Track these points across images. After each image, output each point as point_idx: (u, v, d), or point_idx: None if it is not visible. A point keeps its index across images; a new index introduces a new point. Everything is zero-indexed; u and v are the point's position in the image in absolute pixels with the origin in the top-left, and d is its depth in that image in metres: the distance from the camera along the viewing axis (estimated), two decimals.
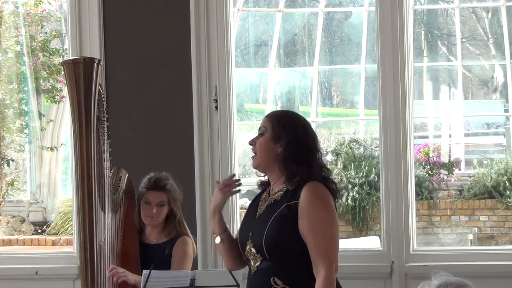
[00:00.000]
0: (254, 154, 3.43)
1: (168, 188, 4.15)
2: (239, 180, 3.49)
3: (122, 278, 3.95)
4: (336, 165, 10.61)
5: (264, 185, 3.49)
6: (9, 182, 9.68)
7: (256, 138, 3.43)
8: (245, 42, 12.27)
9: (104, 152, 4.00)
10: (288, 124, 3.40)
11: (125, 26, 5.06)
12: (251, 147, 3.44)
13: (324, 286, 3.22)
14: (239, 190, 3.53)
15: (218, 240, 3.50)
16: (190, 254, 4.16)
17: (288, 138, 3.36)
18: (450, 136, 11.45)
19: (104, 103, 4.02)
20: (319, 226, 3.26)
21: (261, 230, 3.31)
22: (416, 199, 5.12)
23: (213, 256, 4.93)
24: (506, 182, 10.30)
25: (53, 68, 9.66)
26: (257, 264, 3.34)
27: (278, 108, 12.31)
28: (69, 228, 9.03)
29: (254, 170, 3.51)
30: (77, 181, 3.74)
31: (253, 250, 3.34)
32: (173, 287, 3.48)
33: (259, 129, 3.45)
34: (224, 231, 3.50)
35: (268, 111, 11.66)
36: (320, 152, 3.43)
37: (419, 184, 10.14)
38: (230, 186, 3.50)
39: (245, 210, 3.62)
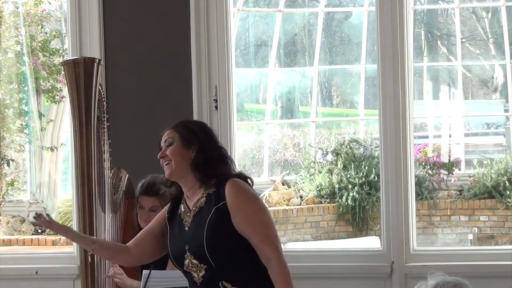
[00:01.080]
0: (167, 163, 3.36)
1: (161, 193, 4.10)
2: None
3: (118, 277, 3.95)
4: (336, 165, 10.60)
5: (175, 199, 3.45)
6: (9, 182, 9.67)
7: (165, 149, 3.37)
8: (245, 42, 12.26)
9: (104, 152, 4.00)
10: (196, 129, 3.41)
11: (125, 26, 5.06)
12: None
13: (280, 269, 3.25)
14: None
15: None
16: None
17: (200, 143, 3.37)
18: (450, 136, 11.44)
19: (104, 103, 4.02)
20: (254, 216, 3.28)
21: (198, 239, 3.28)
22: (416, 199, 5.12)
23: None
24: (506, 182, 10.29)
25: (53, 68, 9.66)
26: (202, 274, 3.31)
27: (279, 108, 12.31)
28: None
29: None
30: (77, 181, 3.75)
31: (194, 261, 3.30)
32: (173, 287, 3.48)
33: (165, 141, 3.39)
34: (93, 243, 3.46)
35: (268, 111, 11.68)
36: (228, 155, 3.44)
37: (419, 184, 10.14)
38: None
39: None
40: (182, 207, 3.40)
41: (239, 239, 3.28)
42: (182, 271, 3.38)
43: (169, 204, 3.48)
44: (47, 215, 3.40)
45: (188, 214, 3.36)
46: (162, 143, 3.40)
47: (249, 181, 3.39)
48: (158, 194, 4.11)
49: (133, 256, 3.49)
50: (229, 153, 3.48)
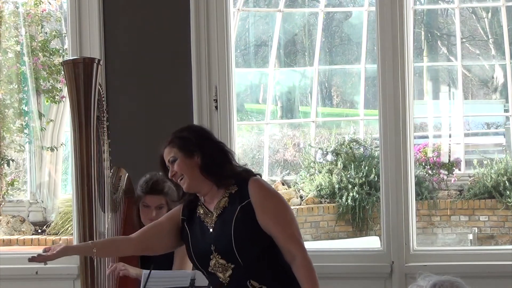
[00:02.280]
0: (180, 179, 3.39)
1: (166, 190, 4.12)
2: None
3: (123, 272, 3.95)
4: (336, 165, 10.61)
5: (192, 202, 3.46)
6: (9, 182, 9.68)
7: (172, 166, 3.40)
8: (245, 42, 12.27)
9: (104, 152, 4.00)
10: (190, 136, 3.43)
11: (125, 26, 5.06)
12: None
13: (305, 266, 3.30)
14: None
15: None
16: None
17: (200, 148, 3.39)
18: (450, 136, 11.45)
19: (104, 103, 4.02)
20: (279, 214, 3.34)
21: (226, 238, 3.31)
22: (416, 199, 5.12)
23: None
24: (506, 182, 10.30)
25: (53, 68, 9.66)
26: (228, 274, 3.33)
27: (278, 108, 12.31)
28: (69, 228, 9.03)
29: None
30: (77, 181, 3.74)
31: (221, 261, 3.33)
32: (173, 287, 3.48)
33: (168, 160, 3.41)
34: (93, 247, 3.46)
35: (268, 111, 11.68)
36: (228, 149, 3.48)
37: (419, 184, 10.14)
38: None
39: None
40: (201, 210, 3.43)
41: (265, 237, 3.32)
42: (206, 273, 3.39)
43: (181, 206, 3.49)
44: (42, 252, 3.46)
45: (209, 215, 3.39)
46: (167, 163, 3.42)
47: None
48: (163, 192, 4.13)
49: (136, 247, 3.53)
50: (227, 146, 3.51)
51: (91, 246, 3.45)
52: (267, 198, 3.35)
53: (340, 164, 10.59)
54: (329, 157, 10.76)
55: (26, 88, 9.57)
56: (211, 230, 3.37)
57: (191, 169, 3.37)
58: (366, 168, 10.45)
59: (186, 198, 3.45)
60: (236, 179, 3.38)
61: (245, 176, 3.38)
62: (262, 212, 3.31)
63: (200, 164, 3.37)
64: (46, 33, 9.85)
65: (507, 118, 11.84)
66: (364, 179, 10.37)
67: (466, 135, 11.71)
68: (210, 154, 3.39)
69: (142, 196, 4.14)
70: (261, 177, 3.44)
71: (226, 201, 3.37)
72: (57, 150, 9.77)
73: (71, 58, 4.19)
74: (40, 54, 9.64)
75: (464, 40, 12.41)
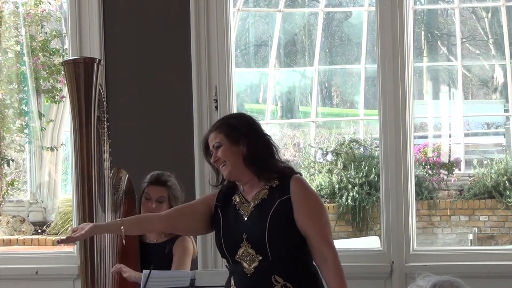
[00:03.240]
0: (223, 165, 3.41)
1: (169, 184, 4.17)
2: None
3: (123, 270, 3.96)
4: (336, 165, 10.61)
5: (230, 189, 3.48)
6: (9, 182, 9.68)
7: (216, 152, 3.41)
8: (245, 42, 12.27)
9: (104, 152, 4.00)
10: (239, 125, 3.45)
11: (125, 26, 5.06)
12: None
13: (336, 269, 3.34)
14: None
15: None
16: (190, 250, 4.17)
17: (246, 137, 3.41)
18: (450, 136, 11.45)
19: (104, 103, 4.02)
20: (317, 215, 3.37)
21: (260, 228, 3.32)
22: (416, 199, 5.12)
23: (213, 256, 4.93)
24: (506, 182, 10.29)
25: (53, 68, 9.67)
26: (254, 265, 3.34)
27: (278, 108, 12.32)
28: (69, 228, 9.03)
29: None
30: (77, 181, 3.74)
31: (250, 251, 3.34)
32: (173, 287, 3.48)
33: (213, 146, 3.42)
34: (121, 225, 3.46)
35: (268, 111, 11.68)
36: (273, 142, 3.50)
37: (419, 184, 10.14)
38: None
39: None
40: (237, 199, 3.44)
41: (297, 235, 3.35)
42: (232, 261, 3.39)
43: (215, 193, 3.51)
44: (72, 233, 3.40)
45: (246, 204, 3.41)
46: (211, 148, 3.44)
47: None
48: (166, 184, 4.16)
49: (166, 225, 3.56)
50: (272, 139, 3.53)
51: (119, 224, 3.46)
52: (308, 198, 3.39)
53: (340, 164, 10.59)
54: (329, 157, 10.76)
55: (26, 88, 9.58)
56: (245, 218, 3.39)
57: (235, 157, 3.39)
58: (366, 168, 10.45)
59: (225, 185, 3.47)
60: (278, 174, 3.41)
61: (287, 172, 3.41)
62: (301, 211, 3.34)
63: (244, 153, 3.39)
64: (46, 33, 9.85)
65: (507, 118, 11.84)
66: (364, 179, 10.37)
67: (466, 135, 11.71)
68: (255, 145, 3.41)
69: (145, 187, 4.17)
70: (301, 176, 3.48)
71: (266, 193, 3.39)
72: (57, 150, 9.77)
73: (71, 58, 4.19)
74: (40, 54, 9.64)
75: (464, 40, 12.42)
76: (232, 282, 3.39)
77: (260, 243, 3.32)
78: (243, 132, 3.42)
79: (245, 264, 3.36)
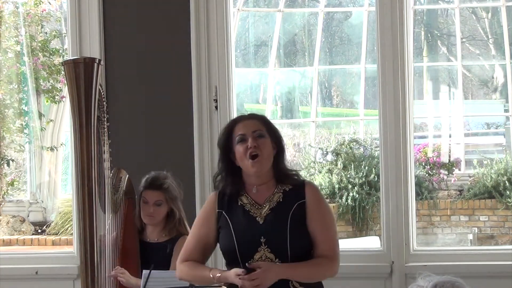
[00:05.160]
0: (256, 154, 3.32)
1: (165, 187, 4.13)
2: None
3: (121, 276, 3.96)
4: (336, 165, 10.61)
5: (232, 190, 3.39)
6: (9, 182, 9.68)
7: (256, 141, 3.34)
8: (245, 42, 12.27)
9: (104, 152, 4.00)
10: (275, 128, 3.46)
11: (125, 26, 5.06)
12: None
13: (330, 266, 3.34)
14: None
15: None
16: None
17: (279, 142, 3.41)
18: (450, 136, 11.45)
19: (104, 103, 4.02)
20: (330, 223, 3.40)
21: (280, 232, 3.28)
22: (416, 199, 5.12)
23: (213, 256, 4.93)
24: (506, 182, 10.30)
25: (53, 68, 9.67)
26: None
27: (278, 108, 12.32)
28: (69, 228, 9.03)
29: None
30: (77, 181, 3.74)
31: (269, 255, 3.28)
32: (173, 287, 3.48)
33: (254, 132, 3.35)
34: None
35: (268, 111, 11.67)
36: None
37: (419, 184, 10.14)
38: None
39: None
40: (244, 200, 3.37)
41: (310, 239, 3.33)
42: (243, 266, 3.25)
43: (212, 201, 3.42)
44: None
45: (257, 207, 3.35)
46: (249, 133, 3.35)
47: None
48: (162, 188, 4.13)
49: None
50: None
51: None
52: (322, 205, 3.40)
53: (340, 164, 10.59)
54: (329, 157, 10.76)
55: (26, 88, 9.58)
56: (261, 221, 3.32)
57: (270, 154, 3.36)
58: (366, 168, 10.45)
59: (227, 187, 3.38)
60: (291, 179, 3.39)
61: (299, 178, 3.41)
62: (315, 216, 3.34)
63: (274, 155, 3.37)
64: (46, 33, 9.86)
65: (507, 118, 11.84)
66: (364, 179, 10.37)
67: (466, 135, 11.71)
68: (283, 149, 3.42)
69: (142, 191, 4.16)
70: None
71: (280, 196, 3.36)
72: (57, 150, 9.77)
73: (71, 58, 4.19)
74: (40, 54, 9.65)
75: (464, 40, 12.42)
76: None
77: (282, 247, 3.27)
78: (278, 134, 3.43)
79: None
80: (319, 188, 3.47)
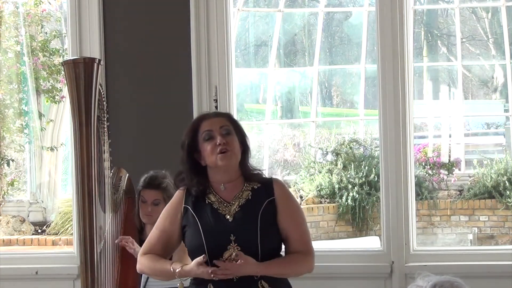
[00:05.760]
0: (225, 151, 3.26)
1: (164, 186, 4.13)
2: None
3: (128, 245, 3.98)
4: (336, 165, 10.61)
5: (199, 187, 3.31)
6: (9, 182, 9.68)
7: (224, 138, 3.28)
8: (245, 42, 12.27)
9: (104, 152, 4.00)
10: (240, 125, 3.41)
11: (125, 26, 5.06)
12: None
13: (306, 261, 3.31)
14: None
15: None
16: None
17: (244, 138, 3.37)
18: (450, 136, 11.45)
19: (104, 103, 4.02)
20: (302, 219, 3.37)
21: (251, 231, 3.23)
22: (416, 199, 5.12)
23: None
24: (506, 182, 10.30)
25: (53, 68, 9.67)
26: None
27: (279, 108, 12.31)
28: (69, 228, 9.03)
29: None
30: (77, 181, 3.74)
31: (239, 253, 3.19)
32: (173, 287, 3.48)
33: (222, 128, 3.29)
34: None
35: (268, 111, 11.68)
36: None
37: (419, 184, 10.14)
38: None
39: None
40: (212, 198, 3.30)
41: (279, 237, 3.30)
42: (211, 265, 3.19)
43: (179, 197, 3.35)
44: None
45: (226, 204, 3.28)
46: (217, 130, 3.30)
47: None
48: (160, 187, 4.12)
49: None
50: None
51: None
52: (291, 201, 3.35)
53: (340, 164, 10.59)
54: (329, 157, 10.76)
55: (26, 88, 9.58)
56: (230, 219, 3.25)
57: (238, 151, 3.31)
58: (366, 168, 10.45)
59: (195, 184, 3.30)
60: (258, 176, 3.35)
61: (265, 176, 3.38)
62: (286, 213, 3.29)
63: (241, 151, 3.32)
64: (46, 33, 9.86)
65: (507, 118, 11.84)
66: (364, 179, 10.37)
67: (466, 135, 11.71)
68: (248, 148, 3.37)
69: (140, 190, 4.16)
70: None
71: (249, 194, 3.30)
72: (57, 150, 9.77)
73: (71, 58, 4.19)
74: (40, 54, 9.65)
75: (464, 40, 12.42)
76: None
77: (252, 244, 3.21)
78: (244, 133, 3.38)
79: None
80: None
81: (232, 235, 3.23)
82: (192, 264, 3.22)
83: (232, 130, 3.32)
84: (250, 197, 3.30)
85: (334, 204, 10.37)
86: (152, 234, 3.41)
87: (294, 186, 10.73)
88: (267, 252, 3.23)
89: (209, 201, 3.31)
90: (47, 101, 9.72)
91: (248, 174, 3.34)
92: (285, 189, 3.38)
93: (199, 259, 3.19)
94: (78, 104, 3.72)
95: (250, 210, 3.27)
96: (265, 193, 3.30)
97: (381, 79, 4.88)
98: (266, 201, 3.28)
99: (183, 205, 3.33)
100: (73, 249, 5.14)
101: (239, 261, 3.17)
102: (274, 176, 3.47)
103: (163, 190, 4.13)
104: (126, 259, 4.09)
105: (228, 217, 3.27)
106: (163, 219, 3.38)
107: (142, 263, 3.37)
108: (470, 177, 10.81)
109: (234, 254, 3.21)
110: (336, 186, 10.38)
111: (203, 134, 3.32)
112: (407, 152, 4.86)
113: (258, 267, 3.20)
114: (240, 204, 3.29)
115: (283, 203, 3.30)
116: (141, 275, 3.73)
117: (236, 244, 3.22)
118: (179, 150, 4.64)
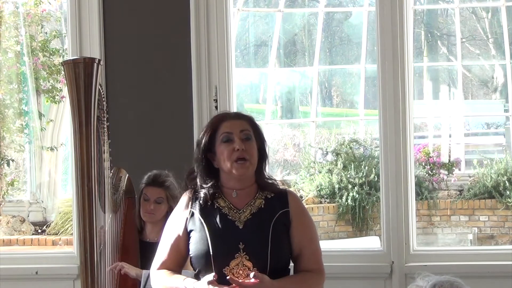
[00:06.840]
0: (243, 160, 3.14)
1: (167, 185, 4.14)
2: None
3: (124, 270, 3.96)
4: (336, 165, 10.61)
5: (212, 189, 3.19)
6: (9, 182, 9.68)
7: (244, 144, 3.16)
8: (245, 42, 12.27)
9: (104, 152, 4.00)
10: (261, 130, 3.29)
11: (125, 26, 5.06)
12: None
13: (318, 279, 3.21)
14: None
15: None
16: None
17: (263, 146, 3.25)
18: (450, 136, 11.45)
19: (104, 103, 4.02)
20: (315, 236, 3.27)
21: (261, 240, 3.11)
22: (416, 199, 5.12)
23: None
24: (506, 182, 10.30)
25: (53, 68, 9.67)
26: (247, 280, 3.05)
27: (278, 108, 12.31)
28: (69, 228, 9.03)
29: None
30: (77, 181, 3.74)
31: (247, 263, 3.09)
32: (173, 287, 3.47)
33: (242, 132, 3.17)
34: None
35: (268, 111, 11.68)
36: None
37: (419, 184, 10.14)
38: None
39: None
40: (221, 203, 3.18)
41: (290, 250, 3.19)
42: (218, 274, 3.06)
43: (185, 202, 3.25)
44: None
45: (236, 211, 3.16)
46: (236, 131, 3.17)
47: None
48: (164, 185, 4.13)
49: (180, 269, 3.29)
50: None
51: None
52: (306, 215, 3.25)
53: (340, 164, 10.59)
54: (329, 157, 10.76)
55: (26, 88, 9.58)
56: (240, 226, 3.13)
57: (256, 159, 3.19)
58: (366, 168, 10.45)
59: (203, 194, 3.19)
60: (273, 186, 3.24)
61: (280, 187, 3.26)
62: (300, 227, 3.18)
63: (258, 158, 3.20)
64: (46, 33, 9.86)
65: (507, 118, 11.84)
66: (364, 179, 10.37)
67: (466, 135, 11.71)
68: (266, 155, 3.27)
69: (143, 188, 4.16)
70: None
71: (262, 202, 3.18)
72: (57, 150, 9.77)
73: (71, 58, 4.19)
74: (40, 54, 9.64)
75: (464, 40, 12.42)
76: None
77: (262, 255, 3.09)
78: (263, 141, 3.27)
79: (237, 278, 3.06)
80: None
81: (241, 243, 3.10)
82: (202, 283, 3.07)
83: (252, 135, 3.20)
84: (263, 206, 3.18)
85: (334, 204, 10.37)
86: (162, 248, 3.29)
87: (294, 186, 10.73)
88: (276, 265, 3.12)
89: (218, 205, 3.19)
90: (47, 101, 9.72)
91: (263, 182, 3.23)
92: (300, 202, 3.29)
93: (209, 277, 3.05)
94: (78, 104, 3.72)
95: (262, 219, 3.15)
96: (279, 204, 3.20)
97: (381, 79, 4.88)
98: (279, 212, 3.17)
99: (190, 209, 3.23)
100: (73, 249, 5.14)
101: (252, 279, 3.01)
102: (288, 189, 3.33)
103: (166, 188, 4.13)
104: (126, 259, 4.09)
105: (238, 224, 3.15)
106: (170, 232, 3.27)
107: (155, 280, 3.26)
108: (470, 177, 10.81)
109: (252, 274, 3.03)
110: (336, 186, 10.38)
111: (221, 135, 3.19)
112: (407, 152, 4.86)
113: (273, 286, 3.06)
114: (252, 212, 3.17)
115: (298, 217, 3.21)
116: (141, 275, 3.73)
117: (244, 253, 3.09)
118: (180, 150, 4.64)
